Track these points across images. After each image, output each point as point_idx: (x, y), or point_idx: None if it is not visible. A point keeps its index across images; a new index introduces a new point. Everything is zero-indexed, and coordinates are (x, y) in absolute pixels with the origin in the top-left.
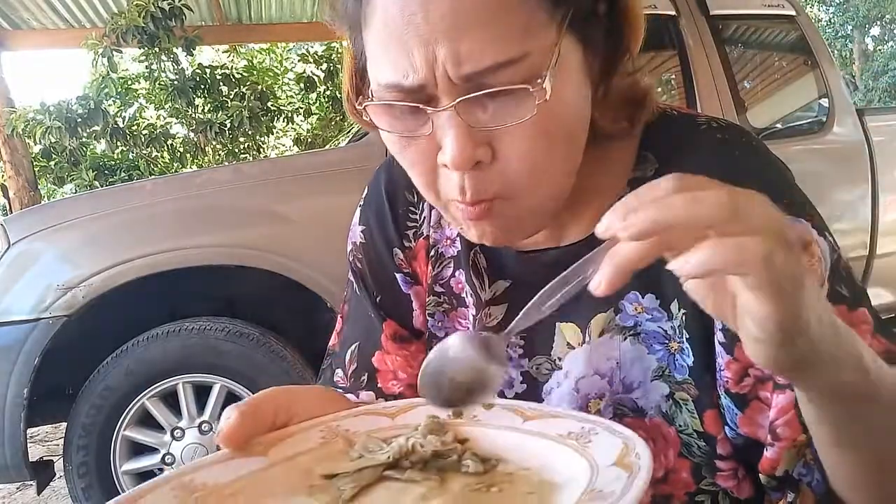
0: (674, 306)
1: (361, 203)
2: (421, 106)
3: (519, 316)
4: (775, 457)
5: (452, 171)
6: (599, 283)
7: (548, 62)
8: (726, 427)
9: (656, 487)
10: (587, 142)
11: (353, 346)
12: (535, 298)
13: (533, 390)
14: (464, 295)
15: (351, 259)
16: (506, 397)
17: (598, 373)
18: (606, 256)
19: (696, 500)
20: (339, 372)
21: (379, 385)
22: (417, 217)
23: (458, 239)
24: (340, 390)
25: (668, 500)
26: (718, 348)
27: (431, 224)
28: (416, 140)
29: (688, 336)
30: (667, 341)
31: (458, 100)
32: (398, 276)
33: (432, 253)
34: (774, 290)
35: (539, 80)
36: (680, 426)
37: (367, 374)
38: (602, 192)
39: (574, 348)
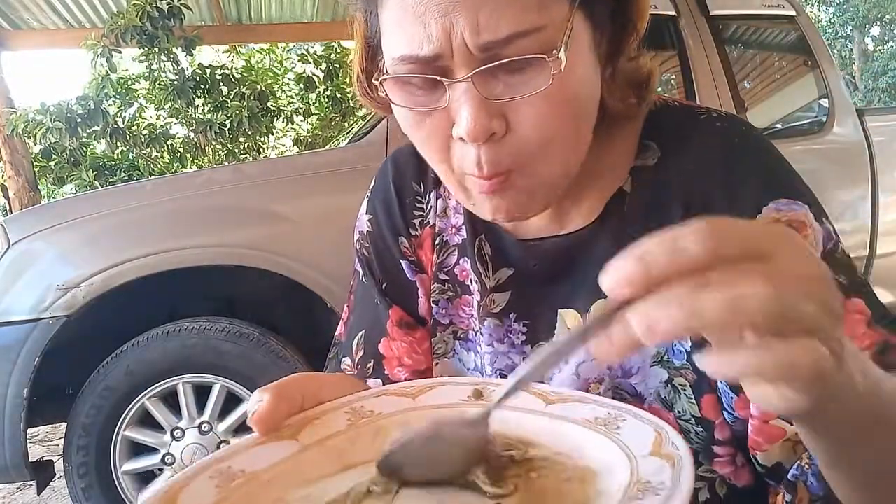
0: None
1: (369, 193)
2: (438, 78)
3: (509, 386)
4: (756, 436)
5: (467, 145)
6: (608, 353)
7: (562, 35)
8: (724, 412)
9: None
10: (595, 123)
11: (359, 334)
12: (523, 372)
13: None
14: (468, 283)
15: (358, 248)
16: None
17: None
18: (623, 325)
19: (694, 487)
20: (346, 360)
21: (385, 372)
22: (424, 206)
23: (463, 227)
24: None
25: None
26: None
27: (437, 213)
28: (431, 115)
29: None
30: None
31: (474, 70)
32: (403, 263)
33: (437, 241)
34: (817, 390)
35: (554, 52)
36: (678, 412)
37: (373, 361)
38: (604, 178)
39: None
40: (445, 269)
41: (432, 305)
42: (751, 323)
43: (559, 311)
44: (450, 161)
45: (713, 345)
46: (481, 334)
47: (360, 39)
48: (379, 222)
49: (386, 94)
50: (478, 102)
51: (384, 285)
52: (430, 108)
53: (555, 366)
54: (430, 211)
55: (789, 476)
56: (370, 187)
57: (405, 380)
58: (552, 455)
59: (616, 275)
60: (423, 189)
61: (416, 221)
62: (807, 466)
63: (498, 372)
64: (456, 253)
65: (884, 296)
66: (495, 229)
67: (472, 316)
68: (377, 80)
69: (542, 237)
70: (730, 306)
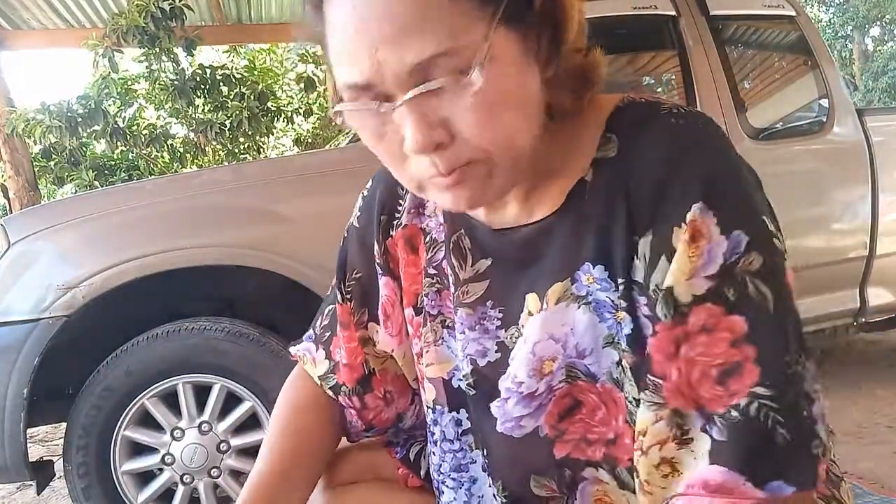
0: (618, 277)
1: (364, 192)
2: (377, 107)
3: None
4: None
5: (420, 156)
6: None
7: (479, 55)
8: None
9: (608, 448)
10: (552, 122)
11: (328, 308)
12: None
13: (503, 357)
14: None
15: (345, 236)
16: (479, 365)
17: (552, 337)
18: None
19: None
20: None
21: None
22: (402, 209)
23: (444, 224)
24: (310, 342)
25: (615, 464)
26: (644, 320)
27: (426, 213)
28: (385, 134)
29: (625, 304)
30: (614, 311)
31: (407, 95)
32: (376, 265)
33: (427, 239)
34: None
35: (469, 71)
36: (626, 392)
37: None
38: (568, 170)
39: (533, 315)
40: (434, 264)
41: (424, 298)
42: None
43: (526, 295)
44: (409, 171)
45: None
46: (458, 323)
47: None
48: (362, 223)
49: (342, 120)
50: (417, 120)
51: (358, 275)
52: (381, 131)
53: None
54: (403, 213)
55: None
56: (367, 186)
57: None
58: None
59: None
60: (403, 191)
61: (394, 223)
62: None
63: (468, 357)
64: (442, 249)
65: (884, 296)
66: (472, 223)
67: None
68: (332, 109)
69: (513, 227)
70: None
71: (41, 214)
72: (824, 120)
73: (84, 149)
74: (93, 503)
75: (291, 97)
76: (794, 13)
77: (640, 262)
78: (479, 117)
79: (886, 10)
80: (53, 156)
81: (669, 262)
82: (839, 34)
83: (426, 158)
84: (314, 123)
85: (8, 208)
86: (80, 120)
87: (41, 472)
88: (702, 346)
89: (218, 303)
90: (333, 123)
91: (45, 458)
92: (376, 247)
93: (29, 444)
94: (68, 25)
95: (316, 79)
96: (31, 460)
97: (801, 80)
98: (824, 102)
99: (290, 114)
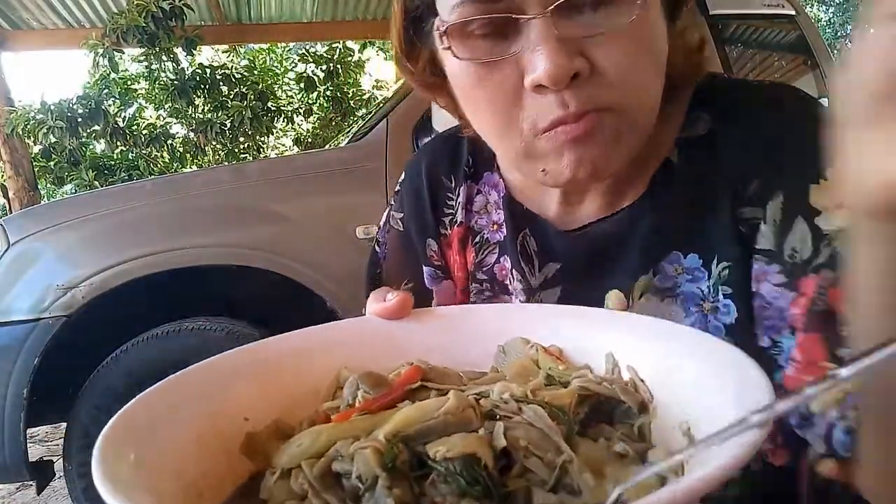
0: (714, 263)
1: (398, 187)
2: (513, 15)
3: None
4: (795, 375)
5: (545, 95)
6: None
7: None
8: (784, 367)
9: None
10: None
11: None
12: None
13: None
14: (507, 282)
15: (381, 240)
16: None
17: None
18: None
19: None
20: None
21: None
22: (454, 203)
23: (504, 224)
24: None
25: None
26: (776, 292)
27: (475, 209)
28: (498, 66)
29: (730, 291)
30: (701, 302)
31: (552, 5)
32: (426, 269)
33: (476, 239)
34: None
35: None
36: None
37: None
38: (651, 154)
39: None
40: (484, 269)
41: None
42: None
43: (607, 293)
44: (518, 122)
45: None
46: None
47: (399, 12)
48: (408, 223)
49: (449, 48)
50: (556, 42)
51: (409, 286)
52: (500, 56)
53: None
54: (458, 208)
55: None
56: (399, 180)
57: None
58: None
59: None
60: (453, 184)
61: (447, 220)
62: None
63: None
64: (496, 251)
65: None
66: (539, 223)
67: None
68: (438, 29)
69: (590, 224)
70: None
71: (41, 214)
72: None
73: (84, 149)
74: (92, 503)
75: (291, 97)
76: (793, 12)
77: (767, 227)
78: (629, 46)
79: None
80: (53, 156)
81: (808, 223)
82: (839, 34)
83: (553, 97)
84: (314, 123)
85: (8, 208)
86: (80, 120)
87: (41, 472)
88: None
89: (218, 303)
90: (334, 123)
91: (45, 458)
92: (433, 246)
93: (29, 444)
94: (68, 25)
95: (316, 79)
96: (31, 460)
97: (801, 80)
98: (824, 102)
99: (290, 114)
